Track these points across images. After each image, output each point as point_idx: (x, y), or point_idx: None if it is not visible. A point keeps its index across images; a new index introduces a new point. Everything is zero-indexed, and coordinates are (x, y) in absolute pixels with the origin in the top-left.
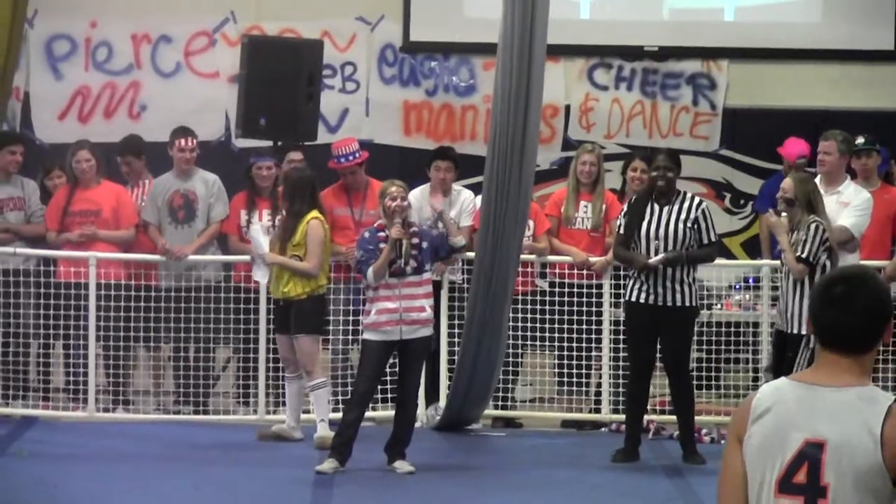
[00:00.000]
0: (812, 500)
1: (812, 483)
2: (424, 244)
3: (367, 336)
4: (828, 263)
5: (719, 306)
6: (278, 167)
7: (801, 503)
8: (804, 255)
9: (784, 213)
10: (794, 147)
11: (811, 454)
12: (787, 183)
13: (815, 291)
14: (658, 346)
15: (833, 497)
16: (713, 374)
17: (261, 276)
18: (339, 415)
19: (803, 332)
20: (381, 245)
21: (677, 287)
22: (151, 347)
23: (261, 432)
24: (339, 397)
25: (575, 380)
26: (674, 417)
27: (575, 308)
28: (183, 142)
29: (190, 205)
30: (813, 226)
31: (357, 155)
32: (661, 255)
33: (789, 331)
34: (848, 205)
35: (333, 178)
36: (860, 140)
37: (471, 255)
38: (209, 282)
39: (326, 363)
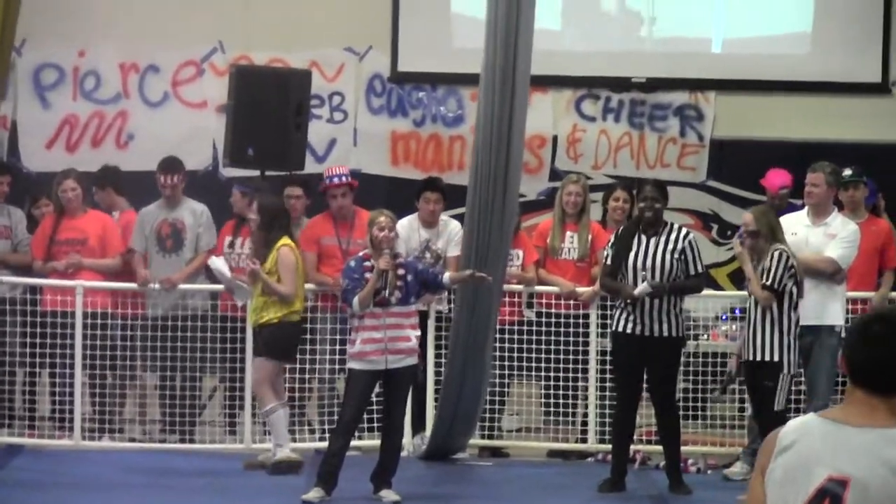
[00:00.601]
0: None
1: None
2: (410, 276)
3: (352, 365)
4: (794, 290)
5: (706, 337)
6: (245, 195)
7: None
8: (769, 283)
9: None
10: (776, 178)
11: (833, 491)
12: (749, 216)
13: (852, 330)
14: (644, 377)
15: None
16: (700, 404)
17: (241, 298)
18: (325, 444)
19: (776, 359)
20: (367, 274)
21: (664, 317)
22: (138, 376)
23: (247, 462)
24: (326, 426)
25: (561, 409)
26: (660, 448)
27: (562, 338)
28: (164, 178)
29: (178, 234)
30: (777, 253)
31: (346, 178)
32: (643, 285)
33: (761, 359)
34: (835, 236)
35: (323, 207)
36: (847, 172)
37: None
38: (196, 311)
39: (314, 392)
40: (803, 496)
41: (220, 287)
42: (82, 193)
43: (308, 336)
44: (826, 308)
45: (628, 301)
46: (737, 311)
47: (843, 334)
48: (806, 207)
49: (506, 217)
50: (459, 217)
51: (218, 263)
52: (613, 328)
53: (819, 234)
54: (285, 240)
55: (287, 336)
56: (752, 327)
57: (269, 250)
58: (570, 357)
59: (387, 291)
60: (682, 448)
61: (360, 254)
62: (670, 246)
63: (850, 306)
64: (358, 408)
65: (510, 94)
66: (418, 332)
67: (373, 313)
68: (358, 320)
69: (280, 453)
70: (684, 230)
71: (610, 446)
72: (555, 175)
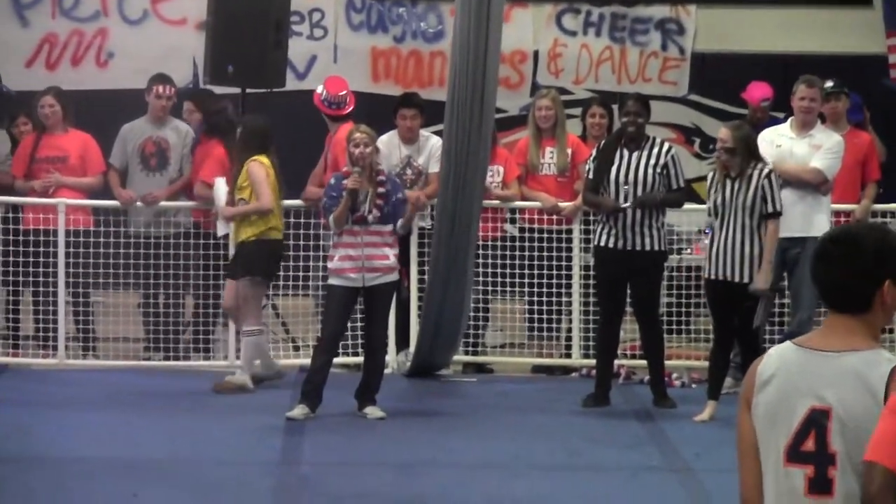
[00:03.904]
0: (822, 467)
1: (820, 451)
2: (399, 195)
3: (331, 281)
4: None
5: (689, 251)
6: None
7: (810, 471)
8: (776, 209)
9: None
10: (757, 91)
11: (817, 421)
12: (725, 133)
13: (814, 251)
14: (628, 291)
15: (842, 464)
16: (683, 318)
17: (221, 229)
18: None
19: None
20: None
21: (646, 231)
22: (121, 294)
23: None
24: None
25: (545, 325)
26: (644, 362)
27: (545, 254)
28: (161, 88)
29: (162, 153)
30: (772, 175)
31: (341, 106)
32: (633, 199)
33: (739, 280)
34: (820, 147)
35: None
36: (829, 84)
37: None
38: (179, 228)
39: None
40: (788, 429)
41: (198, 204)
42: (62, 111)
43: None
44: (812, 220)
45: (611, 215)
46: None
47: None
48: (789, 120)
49: (483, 133)
50: (441, 133)
51: (220, 189)
52: (595, 243)
53: (804, 146)
54: (258, 157)
55: (264, 254)
56: (731, 247)
57: (240, 168)
58: (554, 272)
59: (365, 209)
60: (667, 362)
61: (343, 170)
62: (652, 160)
63: (833, 219)
64: (338, 323)
65: (486, 8)
66: (396, 251)
67: (351, 230)
68: (336, 237)
69: (238, 374)
70: (666, 144)
71: (594, 361)
72: (536, 90)
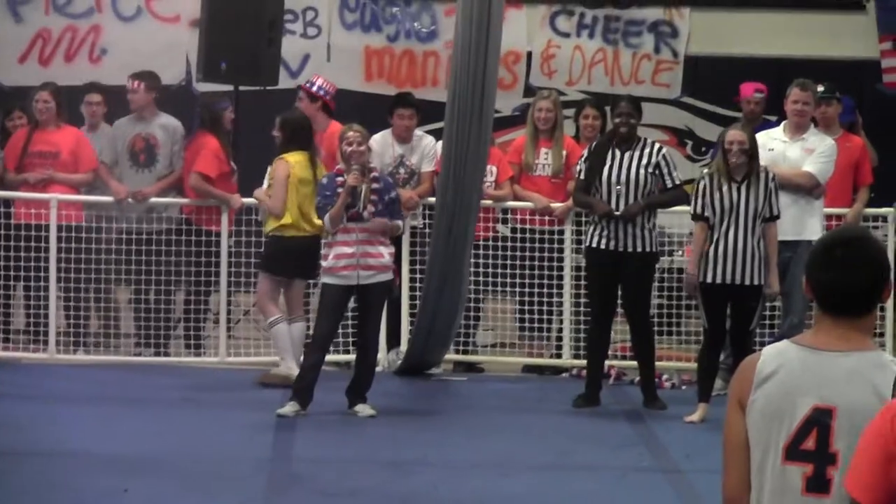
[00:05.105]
0: (821, 467)
1: (821, 450)
2: (392, 194)
3: (325, 280)
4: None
5: (680, 252)
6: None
7: (809, 470)
8: (777, 213)
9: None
10: (749, 87)
11: (820, 420)
12: (740, 135)
13: (815, 255)
14: (618, 292)
15: (843, 464)
16: (674, 319)
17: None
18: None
19: (761, 282)
20: (340, 190)
21: (637, 233)
22: (112, 290)
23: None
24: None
25: (536, 325)
26: (634, 363)
27: (536, 254)
28: (134, 84)
29: (151, 149)
30: (776, 178)
31: (320, 91)
32: (641, 201)
33: (749, 283)
34: (813, 151)
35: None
36: (820, 88)
37: (432, 199)
38: (170, 224)
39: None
40: (789, 427)
41: (190, 201)
42: (56, 108)
43: None
44: (804, 223)
45: (602, 216)
46: None
47: None
48: (782, 123)
49: (482, 134)
50: (434, 133)
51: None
52: (587, 244)
53: (796, 149)
54: (290, 154)
55: (275, 250)
56: (739, 251)
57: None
58: (545, 273)
59: (360, 206)
60: (657, 363)
61: (334, 169)
62: (644, 160)
63: (825, 222)
64: (331, 322)
65: (487, 10)
66: (391, 249)
67: (346, 228)
68: (331, 235)
69: (280, 367)
70: (657, 145)
71: (584, 362)
72: (529, 91)
